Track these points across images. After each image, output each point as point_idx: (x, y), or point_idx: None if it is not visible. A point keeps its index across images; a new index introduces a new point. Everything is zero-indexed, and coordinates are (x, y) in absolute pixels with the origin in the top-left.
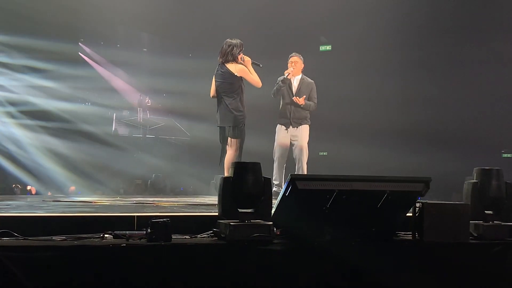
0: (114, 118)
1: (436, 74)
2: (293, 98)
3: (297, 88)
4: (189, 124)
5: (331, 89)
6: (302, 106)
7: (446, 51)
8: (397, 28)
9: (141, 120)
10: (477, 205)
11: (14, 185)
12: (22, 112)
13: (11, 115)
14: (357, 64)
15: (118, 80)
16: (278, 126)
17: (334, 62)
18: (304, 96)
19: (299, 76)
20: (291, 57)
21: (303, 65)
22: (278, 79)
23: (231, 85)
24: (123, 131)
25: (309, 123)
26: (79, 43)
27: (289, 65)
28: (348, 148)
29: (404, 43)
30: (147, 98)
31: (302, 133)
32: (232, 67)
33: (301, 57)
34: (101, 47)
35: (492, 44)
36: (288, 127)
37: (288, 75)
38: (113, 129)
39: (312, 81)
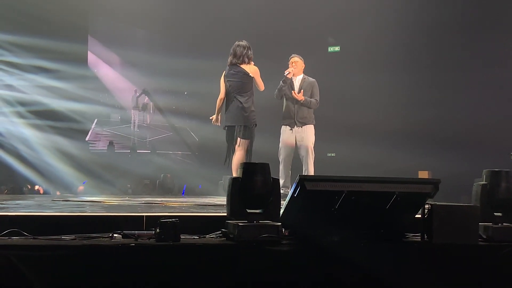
0: (93, 124)
1: (446, 75)
2: (292, 93)
3: (299, 88)
4: (197, 125)
5: (339, 90)
6: (302, 102)
7: (456, 51)
8: (406, 28)
9: (135, 128)
10: (486, 207)
11: (31, 187)
12: (31, 112)
13: (20, 115)
14: (365, 64)
15: (117, 77)
16: (283, 127)
17: (343, 63)
18: (302, 91)
19: (301, 76)
20: (291, 58)
21: (303, 65)
22: (281, 81)
23: (246, 85)
24: (101, 145)
25: (314, 123)
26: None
27: (289, 65)
28: (356, 149)
29: (413, 43)
30: (146, 96)
31: (308, 134)
32: (247, 67)
33: (301, 58)
34: (107, 46)
35: (503, 44)
36: (293, 127)
37: (288, 74)
38: (87, 138)
39: (314, 79)
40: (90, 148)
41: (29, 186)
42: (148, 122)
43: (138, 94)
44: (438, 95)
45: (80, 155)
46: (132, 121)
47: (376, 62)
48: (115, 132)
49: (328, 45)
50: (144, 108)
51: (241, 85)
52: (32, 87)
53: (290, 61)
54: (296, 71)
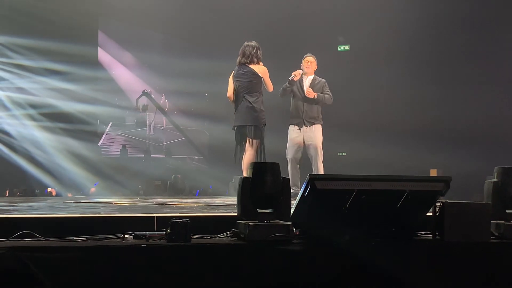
0: (107, 128)
1: (457, 72)
2: (305, 91)
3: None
4: (206, 126)
5: (350, 89)
6: (315, 98)
7: (465, 47)
8: (416, 26)
9: (151, 132)
10: (498, 204)
11: (44, 189)
12: (42, 114)
13: (31, 117)
14: (375, 63)
15: (130, 79)
16: (291, 126)
17: (353, 62)
18: (311, 89)
19: (311, 76)
20: (306, 57)
21: (316, 67)
22: (287, 81)
23: (255, 85)
24: (114, 149)
25: (322, 122)
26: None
27: (304, 64)
28: (367, 148)
29: (423, 41)
30: (163, 97)
31: (316, 133)
32: (255, 67)
33: (315, 58)
34: (119, 47)
35: None
36: (301, 127)
37: (294, 77)
38: (100, 143)
39: (324, 79)
40: (102, 153)
41: (47, 190)
42: (164, 125)
43: (149, 94)
44: (450, 92)
45: (92, 157)
46: (147, 124)
47: (386, 60)
48: (129, 136)
49: (338, 44)
50: (145, 109)
51: (250, 85)
52: (43, 90)
53: (305, 59)
54: (309, 71)
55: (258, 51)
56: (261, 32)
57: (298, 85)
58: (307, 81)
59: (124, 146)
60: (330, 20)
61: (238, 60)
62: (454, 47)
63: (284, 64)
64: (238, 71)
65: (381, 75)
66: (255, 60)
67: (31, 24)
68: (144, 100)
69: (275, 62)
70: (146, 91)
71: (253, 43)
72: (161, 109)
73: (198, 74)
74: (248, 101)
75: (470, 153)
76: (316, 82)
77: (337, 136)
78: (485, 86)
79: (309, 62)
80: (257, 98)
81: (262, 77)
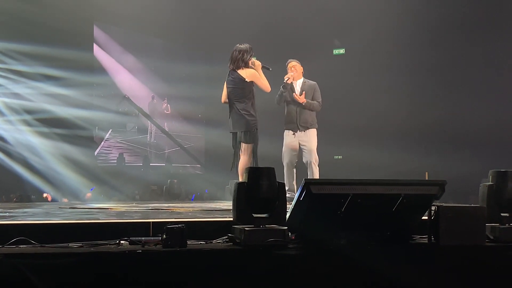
0: (107, 135)
1: (452, 75)
2: (293, 94)
3: (300, 91)
4: (203, 129)
5: (345, 92)
6: (304, 104)
7: (462, 51)
8: (411, 29)
9: (152, 139)
10: (493, 208)
11: (40, 194)
12: (37, 119)
13: (27, 123)
14: (371, 66)
15: (130, 84)
16: (286, 131)
17: (348, 65)
18: (304, 93)
19: (301, 80)
20: (289, 63)
21: (302, 68)
22: (281, 86)
23: (242, 90)
24: (111, 157)
25: (316, 126)
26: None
27: (288, 70)
28: (363, 152)
29: (418, 44)
30: (165, 102)
31: (310, 137)
32: (242, 72)
33: (298, 61)
34: (114, 52)
35: (509, 44)
36: (296, 131)
37: (287, 80)
38: (96, 152)
39: (315, 82)
40: (98, 161)
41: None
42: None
43: (156, 100)
44: (445, 95)
45: (88, 162)
46: (148, 130)
47: (382, 63)
48: (129, 143)
49: (333, 48)
50: (124, 114)
51: (238, 91)
52: (39, 95)
53: (289, 66)
54: (296, 75)
55: (245, 55)
56: (257, 36)
57: (289, 90)
58: (297, 85)
59: (121, 154)
60: (325, 23)
61: (228, 65)
62: (450, 50)
63: (280, 68)
64: (228, 77)
65: (377, 78)
66: (242, 64)
67: (26, 29)
68: (126, 105)
69: (271, 66)
70: (126, 96)
71: (242, 46)
72: (144, 114)
73: (199, 78)
74: (237, 108)
75: (468, 156)
76: (306, 85)
77: (333, 140)
78: (481, 89)
79: (293, 67)
80: (245, 104)
81: (251, 81)
